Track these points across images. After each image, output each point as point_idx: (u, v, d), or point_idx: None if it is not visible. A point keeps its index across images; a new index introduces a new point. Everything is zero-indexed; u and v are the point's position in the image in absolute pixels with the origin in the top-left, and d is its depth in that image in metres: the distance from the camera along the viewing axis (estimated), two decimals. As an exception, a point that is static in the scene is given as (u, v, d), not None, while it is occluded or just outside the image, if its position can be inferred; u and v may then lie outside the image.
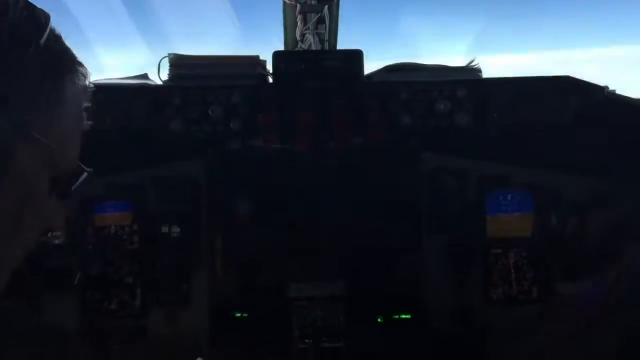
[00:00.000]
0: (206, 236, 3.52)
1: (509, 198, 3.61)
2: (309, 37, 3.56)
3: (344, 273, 3.50)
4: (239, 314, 3.42)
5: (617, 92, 3.13)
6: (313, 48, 3.57)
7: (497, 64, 4.92)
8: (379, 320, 3.43)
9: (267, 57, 3.28)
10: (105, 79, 3.20)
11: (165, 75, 3.28)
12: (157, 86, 3.15)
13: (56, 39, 1.10)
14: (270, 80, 3.10)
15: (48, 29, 1.06)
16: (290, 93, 2.85)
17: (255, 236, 3.49)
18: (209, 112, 2.79)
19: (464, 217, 3.58)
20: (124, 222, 3.52)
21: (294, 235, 3.50)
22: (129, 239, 3.52)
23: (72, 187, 1.20)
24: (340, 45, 3.81)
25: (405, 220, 3.52)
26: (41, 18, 1.06)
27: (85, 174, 1.22)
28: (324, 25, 3.40)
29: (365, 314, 3.42)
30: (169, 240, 3.51)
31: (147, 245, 3.52)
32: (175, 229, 3.53)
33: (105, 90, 2.77)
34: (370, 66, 3.29)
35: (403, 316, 3.44)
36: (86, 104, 1.22)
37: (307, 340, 2.62)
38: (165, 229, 3.52)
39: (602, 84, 3.07)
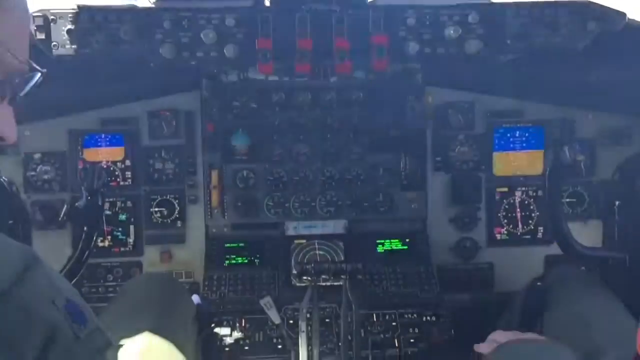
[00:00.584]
0: (201, 171, 3.39)
1: (517, 135, 3.46)
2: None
3: (344, 210, 3.39)
4: (234, 256, 3.32)
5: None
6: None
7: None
8: (378, 251, 3.33)
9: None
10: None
11: (155, -2, 3.09)
12: (146, 8, 2.94)
13: None
14: (268, 2, 2.90)
15: None
16: (289, 16, 2.64)
17: (253, 171, 3.36)
18: (201, 36, 2.59)
19: (470, 155, 3.44)
20: (116, 157, 3.39)
21: (293, 171, 3.37)
22: (122, 174, 3.39)
23: (23, 91, 1.14)
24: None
25: (408, 156, 3.38)
26: None
27: (38, 75, 1.14)
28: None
29: (364, 249, 3.33)
30: (163, 176, 3.39)
31: (140, 181, 3.40)
32: (169, 165, 3.40)
33: (89, 12, 2.56)
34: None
35: (403, 247, 3.34)
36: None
37: (305, 278, 2.51)
38: (159, 165, 3.40)
39: (623, 10, 2.86)
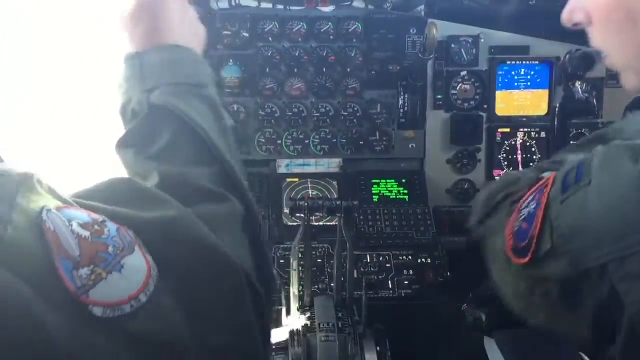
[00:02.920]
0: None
1: (522, 72, 3.30)
2: None
3: (339, 148, 3.26)
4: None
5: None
6: None
7: None
8: (374, 191, 3.22)
9: None
10: None
11: None
12: None
13: None
14: None
15: None
16: None
17: (243, 106, 3.20)
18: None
19: (472, 93, 3.29)
20: (99, 87, 3.21)
21: (286, 106, 3.22)
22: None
23: None
24: None
25: (407, 93, 3.22)
26: None
27: None
28: None
29: (359, 189, 3.21)
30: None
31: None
32: (156, 96, 3.22)
33: None
34: None
35: (399, 187, 3.23)
36: None
37: (297, 215, 2.40)
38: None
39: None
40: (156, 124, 1.23)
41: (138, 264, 0.93)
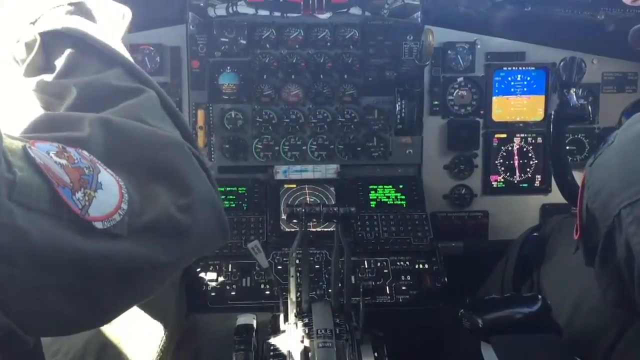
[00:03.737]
0: (187, 110, 3.23)
1: (518, 78, 3.32)
2: None
3: (336, 154, 3.27)
4: (222, 196, 3.20)
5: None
6: None
7: None
8: (371, 197, 3.23)
9: None
10: None
11: None
12: None
13: None
14: None
15: None
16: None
17: (241, 112, 3.21)
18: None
19: (469, 99, 3.30)
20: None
21: (283, 112, 3.23)
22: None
23: None
24: None
25: (404, 99, 3.22)
26: None
27: None
28: None
29: (356, 195, 3.22)
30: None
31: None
32: (154, 103, 3.23)
33: None
34: None
35: (396, 193, 3.23)
36: None
37: (295, 221, 2.40)
38: (142, 103, 3.22)
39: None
40: (53, 48, 1.30)
41: (109, 178, 1.06)
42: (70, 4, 1.34)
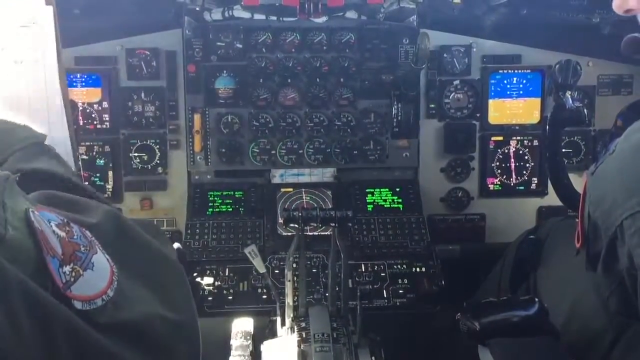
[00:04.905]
0: (184, 115, 3.23)
1: (514, 81, 3.32)
2: None
3: (333, 158, 3.27)
4: (217, 204, 3.19)
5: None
6: None
7: None
8: (368, 200, 3.23)
9: None
10: None
11: None
12: None
13: None
14: None
15: None
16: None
17: (237, 116, 3.21)
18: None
19: (465, 102, 3.31)
20: (93, 99, 3.21)
21: (280, 116, 3.23)
22: (99, 117, 3.22)
23: None
24: None
25: (401, 102, 3.23)
26: None
27: None
28: None
29: (353, 199, 3.22)
30: (143, 119, 3.22)
31: (118, 124, 3.23)
32: (150, 107, 3.23)
33: None
34: None
35: (393, 197, 3.23)
36: None
37: (292, 225, 2.39)
38: (138, 107, 3.22)
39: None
40: (27, 185, 1.25)
41: (103, 262, 1.04)
42: (34, 144, 1.36)
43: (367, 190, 3.26)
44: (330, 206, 3.16)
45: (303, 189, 3.23)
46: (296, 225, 2.28)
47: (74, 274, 0.97)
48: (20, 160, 1.32)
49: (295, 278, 2.33)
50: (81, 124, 3.19)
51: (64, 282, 0.95)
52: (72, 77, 3.16)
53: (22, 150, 1.34)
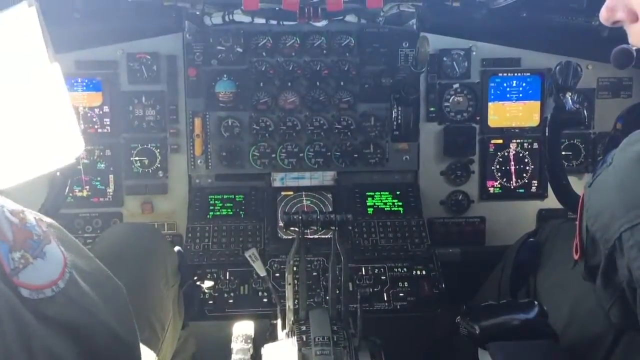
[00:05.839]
0: (184, 119, 3.24)
1: (514, 84, 3.33)
2: None
3: (333, 161, 3.27)
4: (218, 207, 3.20)
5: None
6: None
7: None
8: (368, 204, 3.23)
9: None
10: None
11: None
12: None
13: None
14: None
15: None
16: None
17: (238, 120, 3.22)
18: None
19: (465, 105, 3.31)
20: (94, 103, 3.22)
21: (280, 120, 3.23)
22: (100, 121, 3.23)
23: None
24: None
25: (401, 106, 3.23)
26: None
27: None
28: None
29: (354, 202, 3.22)
30: (144, 123, 3.23)
31: (119, 128, 3.24)
32: (150, 111, 3.24)
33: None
34: None
35: (393, 200, 3.24)
36: None
37: (292, 228, 2.40)
38: (139, 111, 3.23)
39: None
40: None
41: (57, 253, 1.04)
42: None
43: (368, 193, 3.27)
44: (330, 209, 3.16)
45: (303, 193, 3.23)
46: (296, 229, 2.28)
47: (22, 260, 0.97)
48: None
49: (295, 281, 2.33)
50: (82, 128, 3.19)
51: (12, 268, 0.95)
52: (72, 81, 3.17)
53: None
